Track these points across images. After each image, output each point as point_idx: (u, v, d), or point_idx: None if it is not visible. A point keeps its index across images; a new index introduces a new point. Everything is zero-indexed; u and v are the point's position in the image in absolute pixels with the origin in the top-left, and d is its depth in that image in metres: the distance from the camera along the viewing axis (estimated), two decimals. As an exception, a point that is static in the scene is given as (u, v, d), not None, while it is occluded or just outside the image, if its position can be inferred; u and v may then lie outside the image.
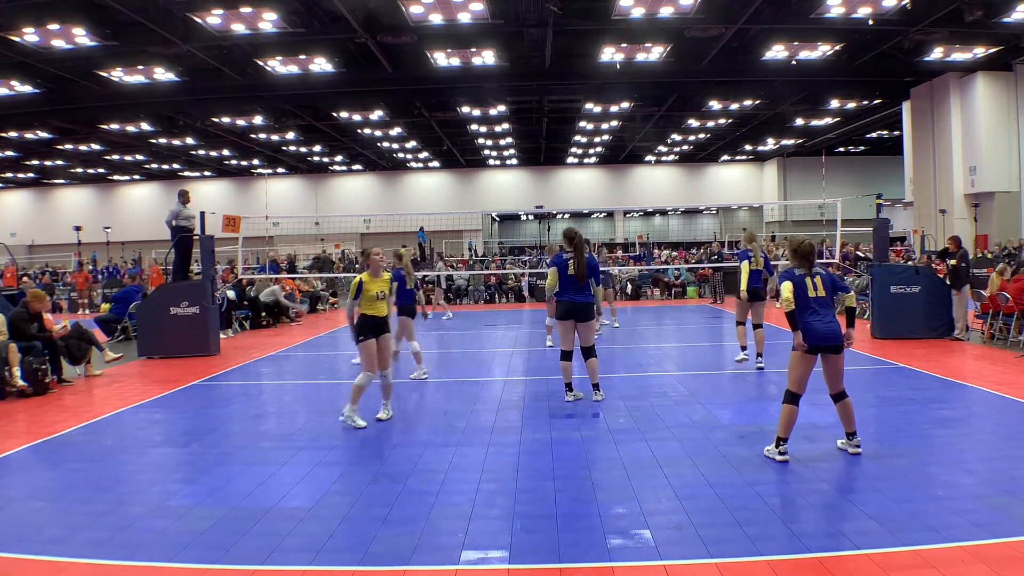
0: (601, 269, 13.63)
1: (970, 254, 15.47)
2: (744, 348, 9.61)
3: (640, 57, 20.78)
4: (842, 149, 39.88)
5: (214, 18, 16.83)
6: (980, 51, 21.18)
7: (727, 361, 10.47)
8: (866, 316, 13.81)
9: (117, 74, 20.72)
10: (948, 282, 11.88)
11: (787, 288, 5.35)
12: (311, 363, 11.45)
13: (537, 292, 21.76)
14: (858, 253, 21.97)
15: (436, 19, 17.34)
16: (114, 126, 27.50)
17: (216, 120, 27.45)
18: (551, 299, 11.94)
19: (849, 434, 5.54)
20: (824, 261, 17.97)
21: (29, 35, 17.21)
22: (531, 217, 46.93)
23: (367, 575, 3.74)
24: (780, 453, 5.39)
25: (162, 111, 26.11)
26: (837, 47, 20.30)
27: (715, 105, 26.83)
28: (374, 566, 3.81)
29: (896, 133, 31.57)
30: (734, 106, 27.24)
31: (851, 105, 27.77)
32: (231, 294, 15.29)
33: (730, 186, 43.62)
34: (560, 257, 7.51)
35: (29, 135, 28.13)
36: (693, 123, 30.92)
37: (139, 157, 35.43)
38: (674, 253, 29.98)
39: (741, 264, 9.42)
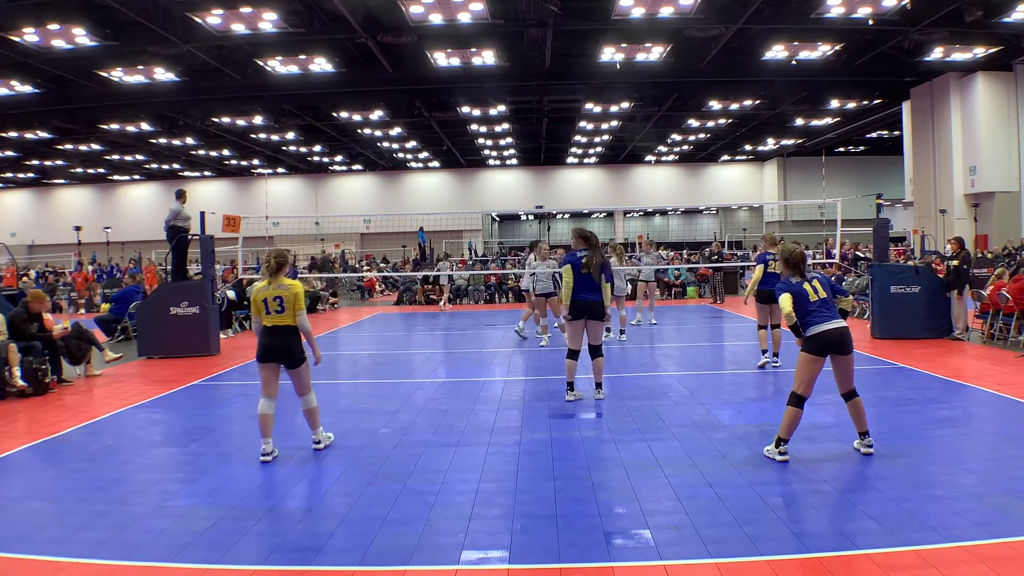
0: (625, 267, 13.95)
1: (971, 255, 15.45)
2: (765, 352, 9.45)
3: (640, 57, 20.77)
4: (842, 149, 39.88)
5: (214, 18, 16.84)
6: (980, 51, 21.18)
7: (727, 361, 10.48)
8: (866, 316, 13.82)
9: (117, 74, 20.72)
10: (946, 282, 11.87)
11: (787, 302, 5.34)
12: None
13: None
14: (858, 253, 21.97)
15: (436, 19, 17.34)
16: (114, 126, 27.50)
17: (216, 120, 27.45)
18: (545, 300, 11.93)
19: (861, 433, 5.53)
20: (824, 261, 18.03)
21: (29, 35, 17.21)
22: (531, 217, 46.93)
23: (367, 575, 3.74)
24: (780, 453, 5.39)
25: (162, 111, 26.12)
26: (837, 47, 20.29)
27: (715, 105, 26.83)
28: (374, 566, 3.81)
29: (896, 133, 31.58)
30: (734, 106, 27.23)
31: (851, 105, 27.77)
32: (231, 294, 15.29)
33: (730, 186, 43.62)
34: (574, 255, 7.47)
35: (29, 135, 28.13)
36: (693, 123, 30.91)
37: (139, 157, 35.44)
38: (670, 253, 29.94)
39: (757, 267, 9.22)
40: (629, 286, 14.78)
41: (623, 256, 13.94)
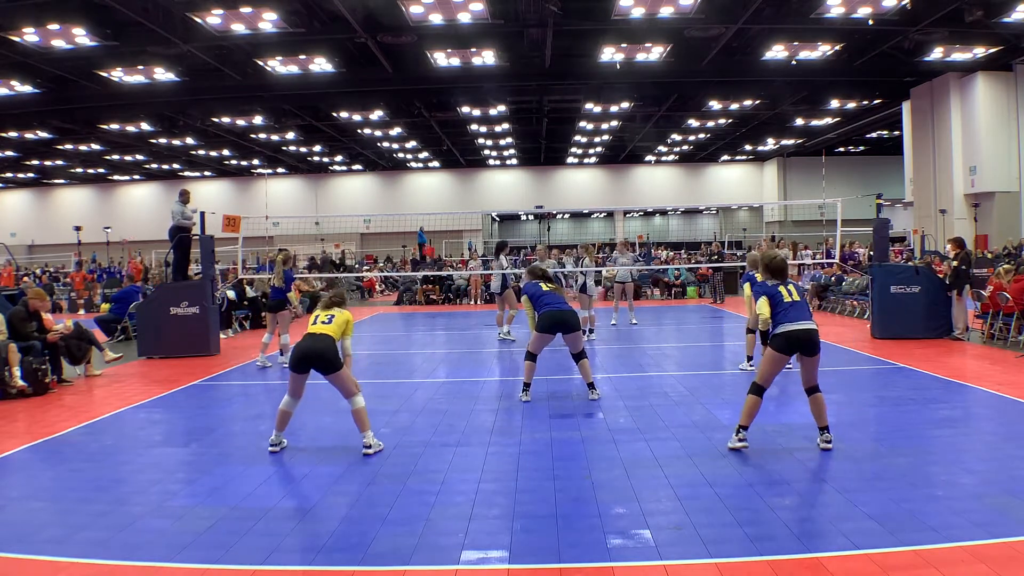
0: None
1: (971, 255, 15.43)
2: (751, 359, 9.36)
3: (640, 57, 20.77)
4: (842, 149, 39.87)
5: (214, 18, 16.83)
6: (980, 51, 21.17)
7: (727, 361, 10.47)
8: (866, 316, 13.82)
9: (117, 74, 20.72)
10: (947, 283, 11.87)
11: (764, 306, 5.54)
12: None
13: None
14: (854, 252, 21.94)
15: (436, 19, 17.34)
16: (114, 126, 27.49)
17: (216, 120, 27.45)
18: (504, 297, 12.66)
19: (821, 429, 5.63)
20: (824, 261, 18.02)
21: (29, 35, 17.20)
22: (531, 217, 46.94)
23: (367, 575, 3.74)
24: (739, 440, 5.59)
25: (162, 111, 26.11)
26: (837, 47, 20.29)
27: (715, 105, 26.82)
28: (374, 566, 3.81)
29: (896, 133, 31.57)
30: (734, 106, 27.23)
31: (851, 105, 27.76)
32: (231, 294, 15.28)
33: (730, 186, 43.61)
34: (536, 286, 7.93)
35: (29, 135, 28.13)
36: (693, 123, 30.90)
37: (139, 157, 35.44)
38: (670, 253, 29.94)
39: (745, 285, 9.13)
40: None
41: (593, 256, 13.96)
